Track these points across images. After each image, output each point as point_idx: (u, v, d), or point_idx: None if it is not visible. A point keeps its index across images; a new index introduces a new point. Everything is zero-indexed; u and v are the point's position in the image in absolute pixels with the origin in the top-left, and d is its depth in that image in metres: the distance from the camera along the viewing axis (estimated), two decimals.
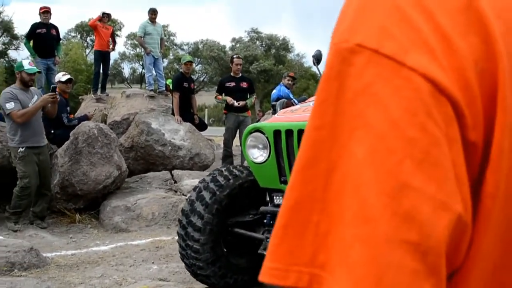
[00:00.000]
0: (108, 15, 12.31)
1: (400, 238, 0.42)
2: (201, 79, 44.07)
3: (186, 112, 9.71)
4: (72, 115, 8.18)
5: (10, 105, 6.36)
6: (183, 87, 9.69)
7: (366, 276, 0.42)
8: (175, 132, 9.14)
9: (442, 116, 0.44)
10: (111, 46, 12.44)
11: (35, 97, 6.68)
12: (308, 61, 48.81)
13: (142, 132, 8.83)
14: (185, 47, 50.01)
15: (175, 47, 47.78)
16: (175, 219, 7.00)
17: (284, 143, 3.48)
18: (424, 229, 0.42)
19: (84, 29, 46.81)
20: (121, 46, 46.89)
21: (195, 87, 10.39)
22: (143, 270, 5.19)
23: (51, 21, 10.81)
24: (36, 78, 8.30)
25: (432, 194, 0.43)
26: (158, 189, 7.83)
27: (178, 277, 4.94)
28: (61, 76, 7.84)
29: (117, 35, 13.14)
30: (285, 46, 41.97)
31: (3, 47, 41.79)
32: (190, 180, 7.92)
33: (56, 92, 6.71)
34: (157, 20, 11.51)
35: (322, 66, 5.30)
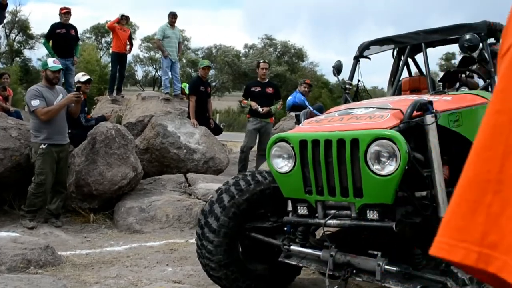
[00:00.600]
0: (127, 18, 12.44)
1: None
2: (213, 84, 44.24)
3: (202, 116, 9.73)
4: (89, 116, 8.22)
5: (35, 103, 6.44)
6: (199, 91, 9.72)
7: None
8: (191, 135, 9.16)
9: None
10: (128, 48, 12.54)
11: (60, 96, 6.75)
12: (321, 70, 48.83)
13: (158, 134, 8.86)
14: (199, 52, 50.34)
15: (188, 51, 48.03)
16: (189, 222, 7.05)
17: (310, 153, 3.47)
18: None
19: (100, 30, 47.17)
20: (135, 48, 47.16)
21: (211, 91, 10.40)
22: (157, 272, 5.19)
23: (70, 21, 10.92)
24: None
25: None
26: (172, 192, 7.84)
27: (193, 280, 4.93)
28: (80, 77, 7.91)
29: (133, 38, 13.26)
30: (299, 54, 42.00)
31: (18, 46, 42.20)
32: (204, 184, 7.93)
33: (81, 92, 6.77)
34: (176, 24, 11.60)
35: (341, 77, 5.28)
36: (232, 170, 10.06)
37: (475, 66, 5.23)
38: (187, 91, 14.09)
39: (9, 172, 7.03)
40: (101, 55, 45.56)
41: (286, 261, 4.00)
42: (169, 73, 11.72)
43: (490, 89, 4.39)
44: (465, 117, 3.67)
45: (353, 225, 3.37)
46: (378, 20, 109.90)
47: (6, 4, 7.13)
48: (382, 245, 3.57)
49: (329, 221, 3.46)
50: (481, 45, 4.19)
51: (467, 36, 4.02)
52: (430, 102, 3.37)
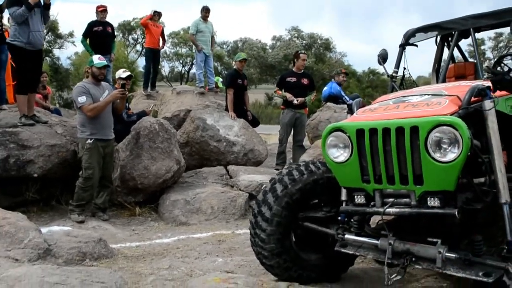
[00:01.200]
0: (159, 14, 12.55)
1: None
2: None
3: (239, 108, 9.76)
4: (130, 111, 8.32)
5: (82, 99, 6.57)
6: (237, 84, 9.75)
7: None
8: (230, 128, 9.20)
9: None
10: (161, 44, 12.64)
11: (106, 92, 6.86)
12: (348, 60, 48.32)
13: (197, 127, 8.92)
14: (224, 46, 50.36)
15: (215, 45, 48.04)
16: (234, 213, 7.09)
17: (367, 142, 3.44)
18: None
19: (126, 27, 47.50)
20: None
21: (247, 84, 10.42)
22: (208, 262, 5.23)
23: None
24: None
25: None
26: (215, 184, 7.88)
27: (244, 270, 4.95)
28: (121, 73, 8.00)
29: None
30: (326, 45, 41.71)
31: (48, 45, 42.78)
32: (246, 176, 7.96)
33: (125, 89, 6.85)
34: (208, 19, 11.63)
35: (387, 65, 5.21)
36: (269, 162, 10.08)
37: None
38: (220, 85, 14.19)
39: (56, 168, 7.17)
40: (128, 52, 45.92)
41: (343, 250, 3.99)
42: (203, 67, 11.75)
43: None
44: None
45: (413, 212, 3.34)
46: (404, 7, 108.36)
47: (50, 4, 7.22)
48: (441, 232, 3.54)
49: (388, 210, 3.44)
50: None
51: None
52: (489, 87, 3.33)
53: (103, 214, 7.00)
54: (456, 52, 5.61)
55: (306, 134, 10.16)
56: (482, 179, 3.31)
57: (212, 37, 11.86)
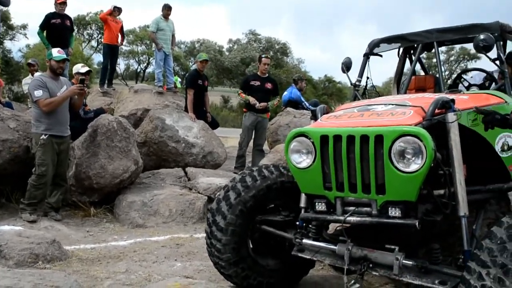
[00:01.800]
0: (119, 9, 12.27)
1: None
2: None
3: (199, 109, 9.64)
4: (88, 108, 8.06)
5: (38, 93, 6.30)
6: (197, 84, 9.63)
7: None
8: (189, 129, 9.06)
9: None
10: (119, 40, 12.36)
11: (64, 87, 6.61)
12: (305, 66, 48.81)
13: (156, 127, 8.74)
14: (182, 46, 49.94)
15: (175, 44, 47.62)
16: (192, 216, 6.98)
17: (331, 149, 3.40)
18: None
19: (81, 22, 46.46)
20: None
21: (208, 85, 10.30)
22: (167, 267, 5.12)
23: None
24: None
25: None
26: (173, 186, 7.73)
27: (204, 275, 4.87)
28: (80, 68, 7.75)
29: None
30: (284, 50, 41.94)
31: None
32: (205, 178, 7.85)
33: (84, 84, 6.62)
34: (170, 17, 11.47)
35: (350, 74, 5.19)
36: (227, 165, 9.98)
37: None
38: (178, 85, 14.01)
39: (7, 164, 6.87)
40: (83, 47, 44.90)
41: (300, 254, 3.96)
42: (162, 66, 11.55)
43: (504, 89, 4.37)
44: (482, 116, 3.63)
45: (374, 222, 3.31)
46: (361, 17, 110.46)
47: None
48: (399, 240, 3.55)
49: (349, 218, 3.41)
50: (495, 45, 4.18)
51: (482, 36, 3.99)
52: (453, 100, 3.34)
53: (56, 214, 6.74)
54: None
55: (266, 138, 10.13)
56: (442, 191, 3.31)
57: (173, 36, 11.68)
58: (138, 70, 49.36)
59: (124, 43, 16.31)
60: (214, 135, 9.56)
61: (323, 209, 3.59)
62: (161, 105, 10.01)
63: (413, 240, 3.59)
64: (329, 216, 3.57)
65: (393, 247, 3.38)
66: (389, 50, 5.37)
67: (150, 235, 6.39)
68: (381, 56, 5.38)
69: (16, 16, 54.97)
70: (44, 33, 10.37)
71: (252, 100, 9.39)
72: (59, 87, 6.56)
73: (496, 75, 4.80)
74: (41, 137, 6.38)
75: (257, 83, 9.59)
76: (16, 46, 58.85)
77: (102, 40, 13.11)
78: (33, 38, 41.03)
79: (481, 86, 4.85)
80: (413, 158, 3.06)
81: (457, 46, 39.18)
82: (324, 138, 3.44)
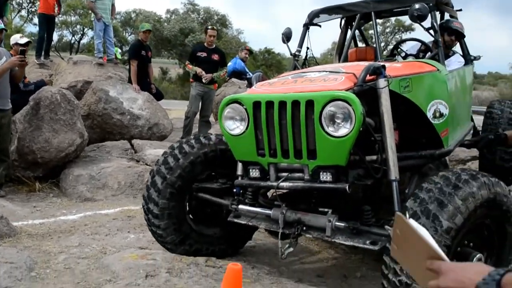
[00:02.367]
0: None
1: None
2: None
3: (143, 81, 9.48)
4: (27, 80, 7.76)
5: None
6: (140, 55, 9.45)
7: None
8: (134, 101, 8.92)
9: None
10: (56, 10, 11.87)
11: (4, 58, 6.30)
12: (244, 37, 48.53)
13: (99, 99, 8.55)
14: (118, 16, 48.52)
15: (115, 14, 46.13)
16: (141, 188, 6.92)
17: (263, 115, 3.42)
18: None
19: None
20: None
21: (151, 56, 10.12)
22: (120, 239, 5.08)
23: None
24: None
25: None
26: (120, 159, 7.63)
27: (158, 245, 4.83)
28: (18, 38, 7.43)
29: None
30: (223, 21, 41.48)
31: None
32: (152, 150, 7.79)
33: (25, 56, 6.34)
34: None
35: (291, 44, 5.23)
36: (172, 137, 9.91)
37: None
38: (118, 56, 13.65)
39: None
40: (12, 17, 42.81)
41: (235, 220, 4.07)
42: (102, 36, 11.20)
43: (438, 58, 4.51)
44: (414, 83, 3.73)
45: (306, 187, 3.40)
46: None
47: None
48: (332, 203, 3.69)
49: (282, 184, 3.48)
50: (429, 15, 4.31)
51: (417, 6, 4.07)
52: (383, 67, 3.42)
53: (0, 190, 6.53)
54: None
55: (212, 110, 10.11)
56: (374, 157, 3.44)
57: (113, 5, 11.28)
58: (73, 41, 47.62)
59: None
60: (159, 106, 9.45)
61: (257, 176, 3.65)
62: (103, 76, 9.75)
63: (345, 203, 3.71)
64: (263, 182, 3.64)
65: (326, 210, 3.52)
66: (329, 20, 5.42)
67: (99, 208, 6.31)
68: (320, 26, 5.43)
69: None
70: None
71: (199, 71, 9.34)
72: None
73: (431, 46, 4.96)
74: None
75: (204, 54, 9.53)
76: None
77: (38, 9, 12.52)
78: None
79: (417, 56, 5.00)
80: (342, 123, 3.13)
81: (393, 18, 39.99)
82: (256, 105, 3.47)
